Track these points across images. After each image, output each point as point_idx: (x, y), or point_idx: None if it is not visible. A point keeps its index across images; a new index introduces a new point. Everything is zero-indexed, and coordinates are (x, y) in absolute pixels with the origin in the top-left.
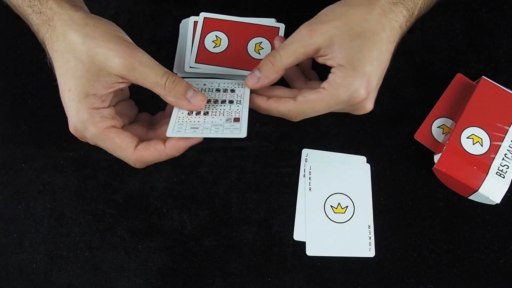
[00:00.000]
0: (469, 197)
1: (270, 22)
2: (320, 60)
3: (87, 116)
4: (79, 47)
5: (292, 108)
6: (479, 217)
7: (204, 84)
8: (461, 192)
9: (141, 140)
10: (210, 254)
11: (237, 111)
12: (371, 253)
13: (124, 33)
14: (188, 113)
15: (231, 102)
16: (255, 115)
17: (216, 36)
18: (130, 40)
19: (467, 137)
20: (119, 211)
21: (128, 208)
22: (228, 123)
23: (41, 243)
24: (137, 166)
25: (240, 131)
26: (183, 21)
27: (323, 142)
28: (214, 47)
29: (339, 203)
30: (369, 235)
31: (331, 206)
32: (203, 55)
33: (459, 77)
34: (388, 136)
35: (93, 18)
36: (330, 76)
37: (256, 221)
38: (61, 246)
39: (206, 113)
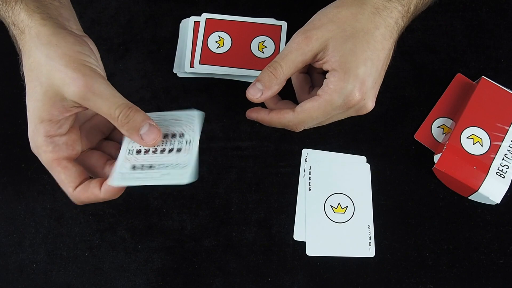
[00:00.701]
0: (469, 197)
1: (271, 21)
2: (317, 65)
3: (40, 143)
4: (41, 68)
5: (292, 118)
6: (479, 217)
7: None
8: (461, 192)
9: (94, 173)
10: (210, 254)
11: (184, 160)
12: (371, 253)
13: (91, 55)
14: (134, 160)
15: (178, 150)
16: None
17: (219, 36)
18: (93, 65)
19: (467, 137)
20: (119, 211)
21: (128, 208)
22: (175, 169)
23: (41, 243)
24: (77, 203)
25: (184, 176)
26: (183, 21)
27: (323, 142)
28: (217, 48)
29: (339, 203)
30: (369, 235)
31: (331, 206)
32: (207, 56)
33: (459, 77)
34: (388, 136)
35: (58, 36)
36: (324, 81)
37: (256, 221)
38: (61, 246)
39: (150, 167)
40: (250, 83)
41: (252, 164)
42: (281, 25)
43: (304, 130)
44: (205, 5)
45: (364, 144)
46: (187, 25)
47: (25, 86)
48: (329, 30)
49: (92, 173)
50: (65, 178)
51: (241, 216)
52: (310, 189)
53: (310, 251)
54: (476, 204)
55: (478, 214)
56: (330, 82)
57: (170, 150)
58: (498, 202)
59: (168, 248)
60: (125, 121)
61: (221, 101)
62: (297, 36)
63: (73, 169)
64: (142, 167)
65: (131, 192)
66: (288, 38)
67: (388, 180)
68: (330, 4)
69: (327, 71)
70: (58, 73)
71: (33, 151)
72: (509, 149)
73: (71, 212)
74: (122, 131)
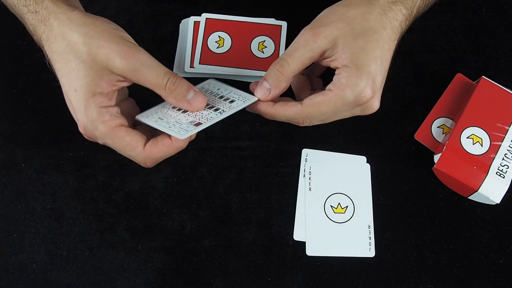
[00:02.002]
0: (469, 197)
1: (271, 21)
2: (324, 62)
3: (96, 115)
4: (80, 47)
5: (299, 111)
6: (479, 217)
7: (214, 87)
8: (461, 192)
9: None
10: (210, 254)
11: (208, 118)
12: (371, 253)
13: (124, 31)
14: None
15: (217, 110)
16: (254, 114)
17: (219, 36)
18: (131, 39)
19: (467, 137)
20: (119, 211)
21: (128, 208)
22: (189, 125)
23: (41, 243)
24: (148, 165)
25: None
26: (183, 21)
27: (323, 142)
28: (217, 48)
29: (339, 203)
30: (369, 235)
31: (331, 206)
32: (207, 56)
33: (459, 77)
34: (388, 136)
35: (92, 18)
36: (335, 77)
37: (256, 221)
38: (61, 246)
39: (184, 111)
40: (250, 83)
41: (252, 164)
42: (281, 25)
43: (304, 129)
44: (205, 5)
45: (364, 144)
46: (187, 25)
47: (54, 72)
48: (338, 27)
49: None
50: (131, 140)
51: (241, 216)
52: (310, 189)
53: (310, 251)
54: (476, 204)
55: (478, 214)
56: (343, 77)
57: (211, 107)
58: (498, 202)
59: (168, 248)
60: (173, 88)
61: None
62: (304, 33)
63: (134, 132)
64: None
65: (131, 192)
66: (288, 38)
67: (388, 180)
68: (337, 3)
69: (333, 70)
70: (102, 49)
71: (86, 130)
72: (509, 149)
73: (71, 212)
74: (170, 98)
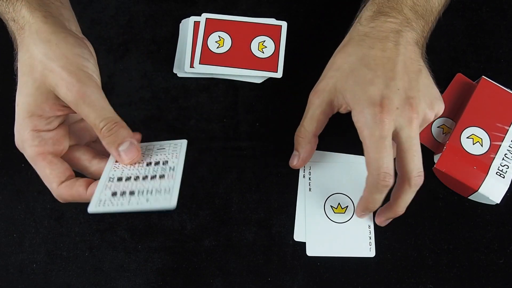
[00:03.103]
0: (469, 197)
1: (271, 21)
2: (342, 112)
3: (26, 137)
4: (36, 64)
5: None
6: (479, 217)
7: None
8: (461, 192)
9: (81, 167)
10: (210, 254)
11: (167, 186)
12: (371, 253)
13: (89, 58)
14: (115, 187)
15: (161, 177)
16: (254, 114)
17: (219, 36)
18: (90, 70)
19: (467, 137)
20: None
21: None
22: (159, 194)
23: (41, 243)
24: (59, 200)
25: (170, 201)
26: (183, 21)
27: (323, 142)
28: (217, 48)
29: (339, 203)
30: (369, 235)
31: (331, 206)
32: (207, 56)
33: (459, 77)
34: None
35: (59, 35)
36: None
37: (256, 221)
38: (61, 246)
39: (132, 193)
40: (250, 82)
41: (252, 164)
42: (281, 25)
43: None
44: (205, 5)
45: None
46: (187, 25)
47: (16, 80)
48: (331, 76)
49: (78, 168)
50: (50, 173)
51: (241, 216)
52: (310, 190)
53: (311, 252)
54: (476, 204)
55: (478, 214)
56: (355, 121)
57: (153, 177)
58: (498, 202)
59: (168, 248)
60: (107, 134)
61: (221, 101)
62: (310, 95)
63: (59, 164)
64: (123, 193)
65: None
66: (288, 38)
67: None
68: (338, 49)
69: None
70: (53, 74)
71: (17, 145)
72: (509, 149)
73: (71, 212)
74: (103, 143)
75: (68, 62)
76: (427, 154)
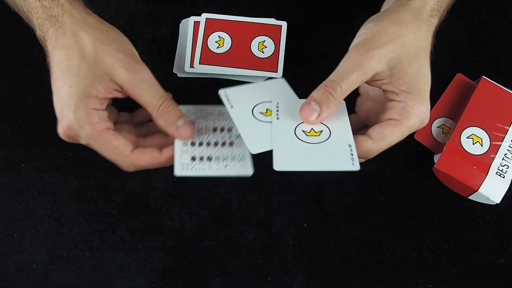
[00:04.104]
0: (469, 197)
1: (271, 21)
2: (374, 84)
3: (85, 115)
4: (88, 48)
5: (372, 147)
6: (479, 217)
7: (200, 123)
8: (461, 192)
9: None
10: (210, 254)
11: (239, 154)
12: (355, 167)
13: (133, 46)
14: (191, 150)
15: (231, 144)
16: None
17: (219, 36)
18: (137, 55)
19: (467, 137)
20: (119, 211)
21: (128, 208)
22: (234, 161)
23: (41, 243)
24: (130, 169)
25: (246, 169)
26: (183, 21)
27: None
28: (217, 48)
29: (312, 128)
30: (351, 152)
31: (303, 131)
32: (207, 56)
33: (459, 77)
34: None
35: (106, 25)
36: (399, 105)
37: (256, 221)
38: (61, 246)
39: (209, 159)
40: (250, 83)
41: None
42: (281, 25)
43: None
44: (205, 5)
45: None
46: (187, 25)
47: (49, 64)
48: (392, 49)
49: None
50: (118, 144)
51: (241, 216)
52: (278, 118)
53: (279, 165)
54: (476, 204)
55: (478, 214)
56: (408, 105)
57: (223, 144)
58: (498, 202)
59: (168, 248)
60: (166, 111)
61: (221, 101)
62: (356, 54)
63: (122, 135)
64: (202, 159)
65: (131, 192)
66: (288, 38)
67: (388, 180)
68: (384, 17)
69: (385, 90)
70: (108, 56)
71: (70, 128)
72: (509, 149)
73: (71, 212)
74: (159, 121)
75: (121, 46)
76: (427, 154)
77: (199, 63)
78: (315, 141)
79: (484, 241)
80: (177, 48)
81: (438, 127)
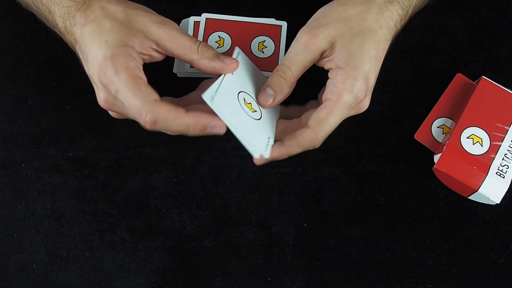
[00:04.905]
0: (469, 197)
1: (271, 21)
2: (320, 63)
3: (122, 60)
4: (119, 14)
5: (311, 135)
6: (479, 217)
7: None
8: (461, 192)
9: None
10: (210, 254)
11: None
12: (255, 155)
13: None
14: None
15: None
16: None
17: (219, 36)
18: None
19: (467, 137)
20: (119, 211)
21: (128, 208)
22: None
23: (41, 243)
24: (148, 120)
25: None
26: (183, 21)
27: (323, 142)
28: (217, 48)
29: (250, 102)
30: (267, 144)
31: (244, 98)
32: None
33: (459, 77)
34: (388, 136)
35: (130, 2)
36: (330, 82)
37: (256, 221)
38: (61, 246)
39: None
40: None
41: (252, 164)
42: (281, 25)
43: None
44: (205, 5)
45: (364, 144)
46: (187, 25)
47: (77, 51)
48: (336, 28)
49: None
50: (147, 89)
51: (241, 216)
52: (232, 74)
53: (214, 103)
54: (476, 204)
55: (478, 214)
56: (338, 81)
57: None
58: (498, 202)
59: (168, 248)
60: (205, 49)
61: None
62: (302, 35)
63: (152, 89)
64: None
65: (131, 192)
66: (288, 38)
67: (388, 180)
68: (334, 1)
69: (328, 70)
70: (139, 17)
71: (105, 76)
72: (509, 149)
73: (71, 212)
74: (203, 61)
75: (149, 11)
76: (427, 154)
77: None
78: (248, 113)
79: (484, 241)
80: None
81: (438, 127)
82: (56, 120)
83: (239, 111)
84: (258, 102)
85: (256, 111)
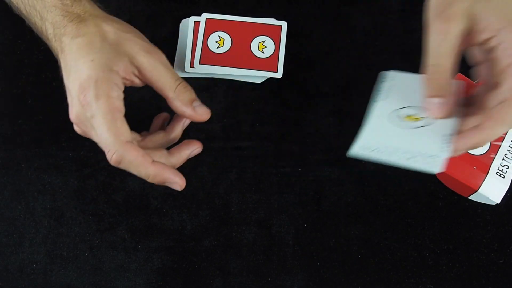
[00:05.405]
0: (469, 197)
1: (271, 21)
2: (472, 42)
3: (105, 87)
4: (110, 35)
5: (492, 125)
6: (479, 217)
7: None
8: (461, 192)
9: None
10: (210, 254)
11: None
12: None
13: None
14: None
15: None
16: (254, 114)
17: (219, 36)
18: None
19: None
20: (119, 211)
21: (128, 208)
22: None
23: (41, 243)
24: (113, 158)
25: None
26: (183, 21)
27: (323, 142)
28: (217, 48)
29: (411, 114)
30: (446, 141)
31: (399, 116)
32: (207, 56)
33: (459, 77)
34: None
35: (125, 23)
36: (500, 48)
37: (256, 221)
38: (61, 246)
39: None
40: (250, 82)
41: (252, 164)
42: (281, 25)
43: (304, 130)
44: (205, 5)
45: None
46: (187, 25)
47: (60, 60)
48: (462, 0)
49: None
50: (122, 126)
51: (241, 216)
52: (376, 101)
53: (353, 150)
54: (476, 204)
55: (478, 214)
56: (502, 49)
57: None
58: (498, 202)
59: (168, 248)
60: (184, 91)
61: (221, 101)
62: (433, 23)
63: (129, 129)
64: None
65: (131, 192)
66: (288, 38)
67: (388, 180)
68: None
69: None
70: (130, 42)
71: (85, 100)
72: (509, 149)
73: (71, 212)
74: (176, 102)
75: (141, 37)
76: None
77: (199, 63)
78: (410, 127)
79: (484, 241)
80: (177, 48)
81: None
82: (56, 120)
83: (397, 137)
84: (432, 116)
85: (421, 118)
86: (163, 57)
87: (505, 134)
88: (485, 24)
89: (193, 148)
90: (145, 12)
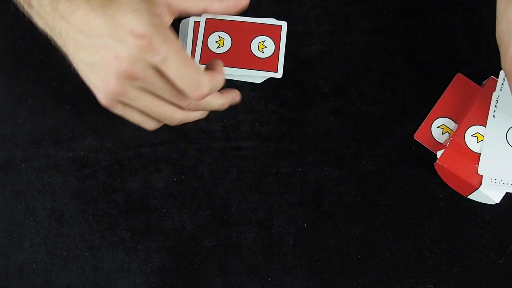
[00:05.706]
0: (469, 196)
1: (271, 21)
2: None
3: (164, 29)
4: None
5: None
6: (479, 217)
7: None
8: (461, 190)
9: None
10: (210, 254)
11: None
12: None
13: None
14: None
15: None
16: (254, 114)
17: (219, 36)
18: None
19: (472, 135)
20: (119, 211)
21: (128, 208)
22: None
23: (41, 243)
24: (205, 92)
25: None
26: (183, 21)
27: (323, 142)
28: (217, 48)
29: None
30: None
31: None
32: (207, 56)
33: (459, 77)
34: (388, 136)
35: None
36: None
37: (256, 221)
38: (61, 246)
39: None
40: (250, 82)
41: (252, 164)
42: (281, 25)
43: (304, 130)
44: None
45: (364, 144)
46: (187, 25)
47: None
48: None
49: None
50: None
51: (241, 216)
52: (494, 116)
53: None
54: (476, 204)
55: (478, 214)
56: None
57: None
58: (498, 201)
59: (168, 248)
60: None
61: None
62: (502, 28)
63: None
64: None
65: (131, 192)
66: (288, 38)
67: (388, 180)
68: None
69: None
70: None
71: (150, 45)
72: None
73: (71, 212)
74: (214, 4)
75: None
76: (427, 154)
77: (199, 63)
78: None
79: (484, 241)
80: None
81: (438, 127)
82: (56, 120)
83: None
84: None
85: None
86: None
87: None
88: None
89: (236, 93)
90: None
